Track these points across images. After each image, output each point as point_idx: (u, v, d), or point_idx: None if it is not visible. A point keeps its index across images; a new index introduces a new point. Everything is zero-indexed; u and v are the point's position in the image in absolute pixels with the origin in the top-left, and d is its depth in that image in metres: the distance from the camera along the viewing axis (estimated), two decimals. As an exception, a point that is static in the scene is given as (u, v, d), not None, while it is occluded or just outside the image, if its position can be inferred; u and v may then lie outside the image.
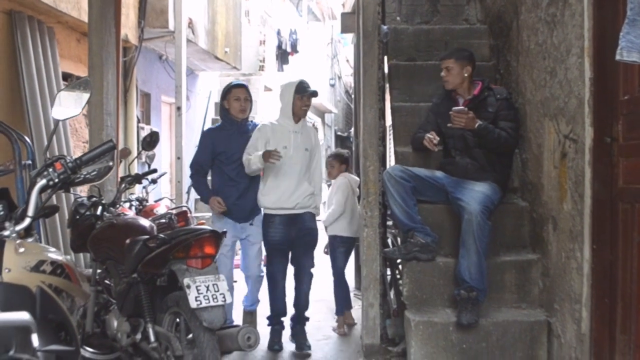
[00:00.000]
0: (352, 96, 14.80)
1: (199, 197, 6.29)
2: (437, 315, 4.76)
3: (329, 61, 28.21)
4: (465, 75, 5.01)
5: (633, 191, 3.67)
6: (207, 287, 3.97)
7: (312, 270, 6.13)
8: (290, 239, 5.96)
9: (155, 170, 6.63)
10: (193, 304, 3.90)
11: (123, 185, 5.23)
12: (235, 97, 5.99)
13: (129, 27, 9.89)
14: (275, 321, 6.09)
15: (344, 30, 8.90)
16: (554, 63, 4.52)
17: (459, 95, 5.10)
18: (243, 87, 6.12)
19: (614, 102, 3.82)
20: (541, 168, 4.84)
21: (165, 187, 12.27)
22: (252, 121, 6.46)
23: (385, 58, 6.17)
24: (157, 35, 10.64)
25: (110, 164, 2.88)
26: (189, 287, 3.93)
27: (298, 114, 5.96)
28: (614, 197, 3.85)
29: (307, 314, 6.17)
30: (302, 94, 5.91)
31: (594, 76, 3.91)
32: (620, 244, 3.78)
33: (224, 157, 5.97)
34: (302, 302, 6.09)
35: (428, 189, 5.02)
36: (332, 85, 28.59)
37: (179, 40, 10.45)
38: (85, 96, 2.96)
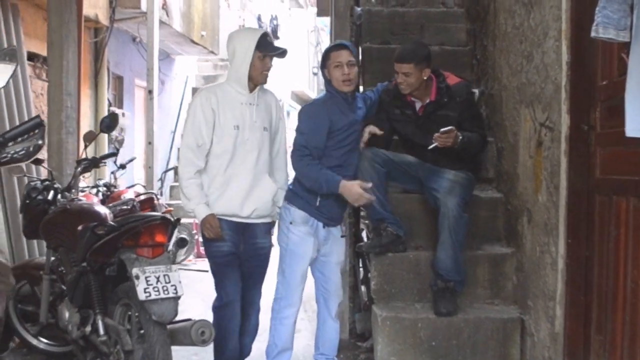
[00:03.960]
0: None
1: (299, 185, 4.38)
2: (406, 310, 4.60)
3: (312, 49, 27.96)
4: (424, 78, 4.56)
5: (610, 182, 3.48)
6: (158, 278, 3.79)
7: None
8: (238, 254, 4.38)
9: (114, 154, 6.38)
10: (142, 296, 3.72)
11: (79, 169, 4.97)
12: (335, 63, 4.33)
13: (99, 7, 9.63)
14: None
15: (320, 13, 8.71)
16: (530, 47, 4.35)
17: (415, 99, 4.68)
18: (345, 48, 4.39)
19: (592, 87, 3.64)
20: (517, 157, 4.68)
21: (139, 173, 12.02)
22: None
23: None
24: (129, 16, 10.42)
25: (40, 142, 2.66)
26: (137, 277, 3.75)
27: (256, 80, 4.30)
28: (591, 189, 3.68)
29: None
30: (266, 52, 4.26)
31: (572, 60, 3.72)
32: (597, 238, 3.61)
33: (337, 138, 4.36)
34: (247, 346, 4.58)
35: (401, 175, 4.80)
36: (315, 74, 28.34)
37: (151, 21, 10.22)
38: (10, 67, 2.72)
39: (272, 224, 4.52)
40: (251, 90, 4.32)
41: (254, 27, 4.17)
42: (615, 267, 3.38)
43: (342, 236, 4.58)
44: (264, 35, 4.29)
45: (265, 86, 4.47)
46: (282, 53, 4.32)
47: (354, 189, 4.22)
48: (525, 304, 4.46)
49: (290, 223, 4.35)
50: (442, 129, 4.37)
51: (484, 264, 4.78)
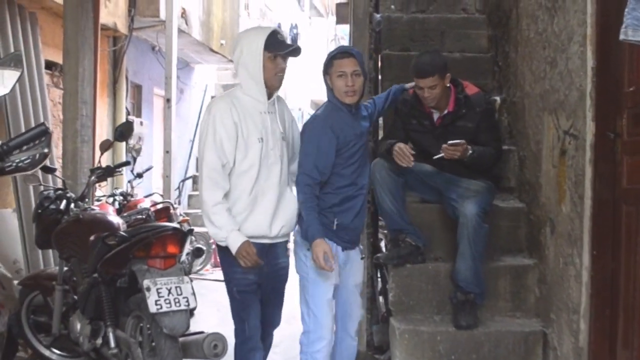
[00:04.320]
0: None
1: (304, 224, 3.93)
2: (425, 323, 4.47)
3: (332, 58, 27.87)
4: (448, 85, 4.40)
5: (638, 192, 3.37)
6: (169, 290, 3.72)
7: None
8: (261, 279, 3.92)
9: (128, 163, 6.32)
10: (152, 308, 3.65)
11: (92, 178, 4.91)
12: (338, 72, 3.89)
13: (118, 15, 9.61)
14: None
15: (339, 21, 8.62)
16: (554, 52, 4.22)
17: (434, 109, 4.50)
18: (350, 56, 3.92)
19: (619, 94, 3.52)
20: (539, 167, 4.54)
21: (157, 182, 11.98)
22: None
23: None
24: (148, 24, 10.40)
25: (45, 150, 2.58)
26: (148, 289, 3.69)
27: (270, 84, 3.81)
28: (617, 199, 3.55)
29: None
30: (276, 51, 3.76)
31: (597, 65, 3.60)
32: (623, 250, 3.49)
33: (345, 154, 3.94)
34: None
35: (420, 185, 4.69)
36: (335, 82, 28.25)
37: (169, 29, 10.19)
38: (15, 74, 2.64)
39: (288, 241, 4.09)
40: (269, 96, 3.83)
41: (262, 26, 3.71)
42: (644, 281, 3.25)
43: (361, 258, 4.20)
44: (273, 34, 3.75)
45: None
46: (294, 50, 3.79)
47: (317, 249, 3.73)
48: (547, 317, 4.32)
49: (308, 250, 3.85)
50: (450, 141, 4.22)
51: (505, 275, 4.64)
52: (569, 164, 3.95)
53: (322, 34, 26.01)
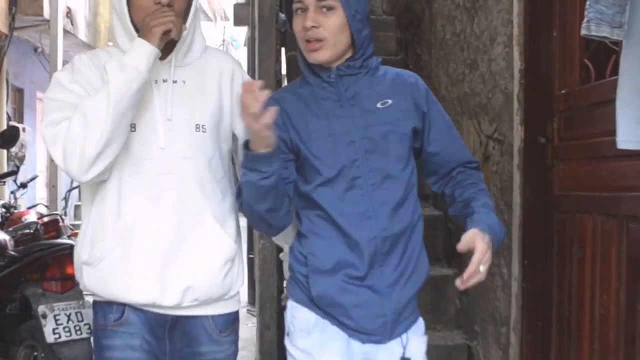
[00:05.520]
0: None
1: None
2: None
3: (221, 63, 27.51)
4: None
5: (572, 199, 3.21)
6: (69, 317, 3.36)
7: None
8: None
9: (15, 172, 5.81)
10: (50, 338, 3.31)
11: (-26, 190, 4.45)
12: (296, 6, 2.08)
13: (-3, 13, 9.01)
14: None
15: (237, 22, 8.29)
16: (474, 54, 4.08)
17: None
18: None
19: (549, 96, 3.37)
20: (458, 172, 4.37)
21: (41, 192, 11.33)
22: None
23: (283, 50, 5.70)
24: (31, 23, 9.90)
25: None
26: (45, 316, 3.33)
27: (147, 33, 1.95)
28: (548, 206, 3.40)
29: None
30: None
31: (525, 67, 3.45)
32: (556, 259, 3.34)
33: (314, 168, 2.05)
34: None
35: None
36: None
37: (54, 29, 9.67)
38: None
39: (233, 317, 2.23)
40: (163, 55, 2.04)
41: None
42: (579, 292, 3.11)
43: None
44: None
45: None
46: None
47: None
48: (471, 329, 4.19)
49: (287, 335, 2.09)
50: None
51: (425, 286, 4.46)
52: (494, 170, 3.81)
53: (210, 39, 25.59)
